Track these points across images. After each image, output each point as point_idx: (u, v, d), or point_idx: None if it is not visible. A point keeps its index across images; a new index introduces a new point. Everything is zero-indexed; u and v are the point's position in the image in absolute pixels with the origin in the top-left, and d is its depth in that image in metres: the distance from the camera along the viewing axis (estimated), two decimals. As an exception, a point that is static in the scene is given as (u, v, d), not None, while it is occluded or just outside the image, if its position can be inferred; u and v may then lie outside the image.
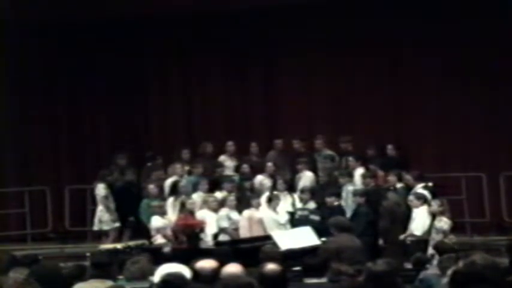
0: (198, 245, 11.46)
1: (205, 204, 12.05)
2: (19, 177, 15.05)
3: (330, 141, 13.53)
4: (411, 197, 11.27)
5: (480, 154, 13.95)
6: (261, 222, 11.74)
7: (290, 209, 12.17)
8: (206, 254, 7.80)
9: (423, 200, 11.14)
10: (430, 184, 11.75)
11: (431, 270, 7.42)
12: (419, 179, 11.84)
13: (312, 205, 12.05)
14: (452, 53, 13.89)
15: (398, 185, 11.88)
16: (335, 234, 9.60)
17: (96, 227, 13.13)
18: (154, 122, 15.54)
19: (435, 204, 10.95)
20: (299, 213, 11.95)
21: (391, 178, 11.92)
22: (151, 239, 11.68)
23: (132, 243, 11.39)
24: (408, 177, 11.92)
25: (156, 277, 6.24)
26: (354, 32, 14.30)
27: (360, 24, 14.25)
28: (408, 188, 11.73)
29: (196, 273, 5.85)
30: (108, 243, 12.22)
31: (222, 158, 13.57)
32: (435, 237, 10.54)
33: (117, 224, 12.96)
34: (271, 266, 5.50)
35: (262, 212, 11.84)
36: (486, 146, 13.93)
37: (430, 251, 9.74)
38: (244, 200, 12.23)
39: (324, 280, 5.75)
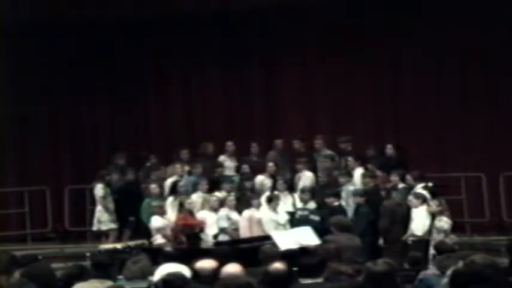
0: (197, 245, 11.46)
1: (206, 204, 12.06)
2: (19, 177, 15.06)
3: (330, 141, 13.54)
4: (410, 197, 11.27)
5: (480, 154, 13.94)
6: (261, 222, 11.74)
7: (291, 209, 12.17)
8: (206, 254, 7.79)
9: (422, 199, 11.13)
10: (430, 184, 11.74)
11: (431, 270, 7.41)
12: (419, 179, 11.83)
13: (312, 205, 12.05)
14: (452, 52, 13.90)
15: (400, 185, 11.87)
16: (335, 233, 9.61)
17: (95, 227, 13.15)
18: (154, 122, 15.54)
19: (433, 205, 10.96)
20: (299, 213, 11.94)
21: (394, 178, 11.91)
22: (151, 239, 11.68)
23: (132, 243, 11.40)
24: (408, 177, 11.92)
25: (156, 277, 6.25)
26: (354, 32, 14.29)
27: (359, 24, 14.25)
28: (409, 188, 11.73)
29: (196, 273, 5.86)
30: (108, 243, 12.22)
31: (222, 158, 13.57)
32: (436, 237, 10.55)
33: (116, 225, 12.97)
34: (276, 265, 5.50)
35: (262, 212, 11.84)
36: (486, 146, 13.92)
37: (432, 251, 9.73)
38: (244, 200, 12.23)
39: (319, 280, 5.73)
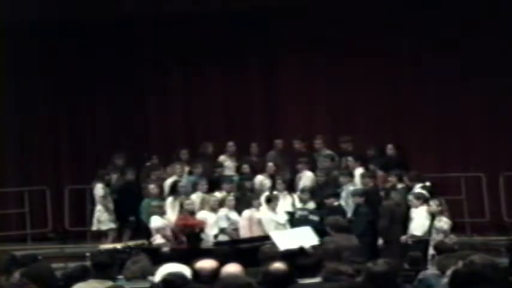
0: (198, 245, 11.46)
1: (206, 204, 12.05)
2: (19, 177, 15.06)
3: (330, 141, 13.54)
4: (410, 197, 11.26)
5: (480, 154, 13.96)
6: (261, 222, 11.73)
7: (290, 209, 12.17)
8: (206, 254, 7.79)
9: (423, 200, 11.12)
10: (428, 184, 11.74)
11: (431, 270, 7.42)
12: (415, 179, 11.82)
13: (311, 205, 12.05)
14: (452, 53, 13.90)
15: (399, 186, 11.87)
16: (332, 234, 9.62)
17: (94, 227, 13.16)
18: (154, 122, 15.53)
19: (433, 204, 10.95)
20: (299, 213, 11.95)
21: (392, 179, 11.91)
22: (150, 239, 11.67)
23: (131, 243, 11.40)
24: (405, 178, 11.91)
25: (157, 277, 6.25)
26: (354, 32, 14.30)
27: (360, 24, 14.25)
28: (408, 188, 11.73)
29: (196, 273, 5.86)
30: (107, 243, 12.22)
31: (222, 158, 13.58)
32: (435, 237, 10.54)
33: (114, 225, 12.97)
34: (277, 265, 5.50)
35: (261, 212, 11.84)
36: (486, 146, 13.93)
37: (431, 251, 9.73)
38: (244, 200, 12.23)
39: (316, 280, 5.72)
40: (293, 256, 6.11)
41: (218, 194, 12.24)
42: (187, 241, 11.56)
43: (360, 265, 6.46)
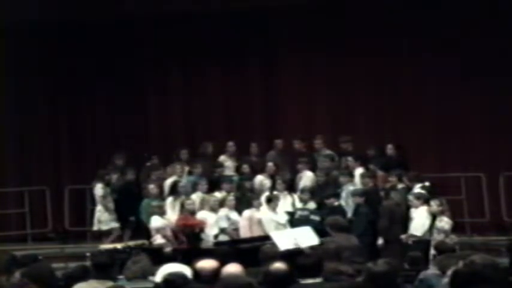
0: (198, 245, 11.45)
1: (206, 204, 12.05)
2: (19, 177, 15.06)
3: (330, 141, 13.54)
4: (411, 197, 11.26)
5: (480, 154, 13.96)
6: (261, 222, 11.73)
7: (290, 209, 12.17)
8: (206, 254, 7.79)
9: (423, 200, 11.12)
10: (427, 184, 11.74)
11: (432, 270, 7.42)
12: (414, 180, 11.82)
13: (312, 205, 12.05)
14: (452, 53, 13.90)
15: (399, 186, 11.87)
16: (332, 234, 9.62)
17: (95, 227, 13.14)
18: (154, 122, 15.53)
19: (434, 204, 10.95)
20: (299, 213, 11.95)
21: (392, 179, 11.91)
22: (151, 239, 11.67)
23: (132, 243, 11.40)
24: (404, 178, 11.91)
25: (158, 277, 6.26)
26: (354, 32, 14.30)
27: (360, 24, 14.25)
28: (408, 189, 11.73)
29: (196, 273, 5.86)
30: (108, 243, 12.22)
31: (222, 158, 13.58)
32: (437, 237, 10.54)
33: (116, 224, 12.96)
34: (277, 265, 5.50)
35: (262, 212, 11.84)
36: (486, 146, 13.94)
37: (432, 251, 9.73)
38: (244, 200, 12.23)
39: (317, 280, 5.72)
40: (293, 256, 6.12)
41: (218, 194, 12.24)
42: (188, 241, 11.55)
43: (360, 265, 6.47)
